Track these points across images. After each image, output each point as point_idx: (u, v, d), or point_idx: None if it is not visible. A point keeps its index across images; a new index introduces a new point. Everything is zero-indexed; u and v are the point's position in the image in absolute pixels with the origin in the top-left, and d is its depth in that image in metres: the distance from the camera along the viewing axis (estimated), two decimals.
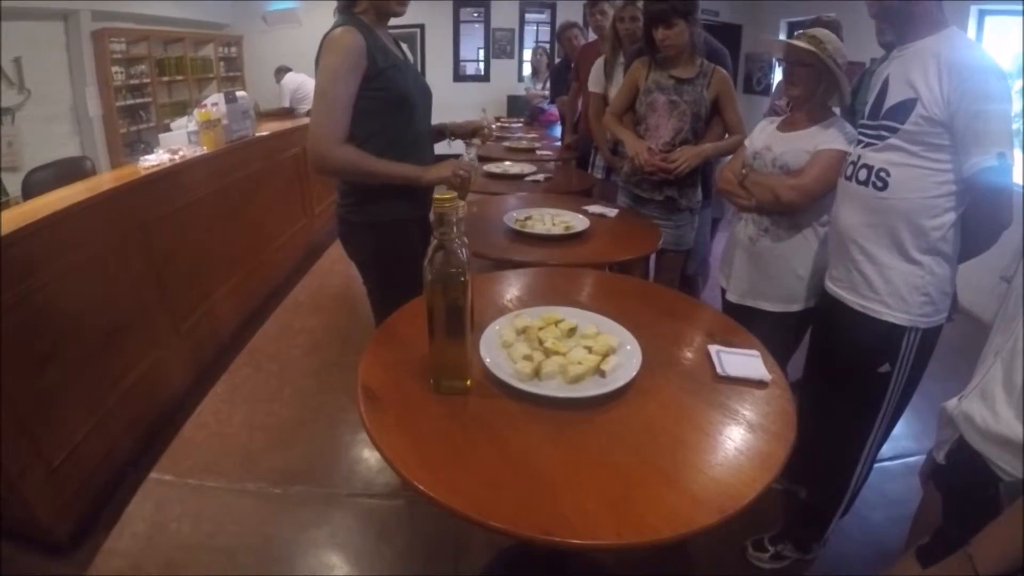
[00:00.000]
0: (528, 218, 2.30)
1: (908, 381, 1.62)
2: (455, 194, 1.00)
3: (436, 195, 1.00)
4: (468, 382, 1.13)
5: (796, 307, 1.95)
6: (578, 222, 2.28)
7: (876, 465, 1.90)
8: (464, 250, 1.05)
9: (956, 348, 1.84)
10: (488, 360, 1.16)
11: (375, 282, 1.98)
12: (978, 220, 1.48)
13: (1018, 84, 4.24)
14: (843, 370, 1.73)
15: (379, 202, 1.86)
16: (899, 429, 1.95)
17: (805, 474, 1.99)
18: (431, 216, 1.02)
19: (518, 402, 1.09)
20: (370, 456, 2.48)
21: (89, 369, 2.25)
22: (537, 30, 9.33)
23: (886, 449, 2.01)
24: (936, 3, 1.47)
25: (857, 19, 2.10)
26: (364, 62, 1.69)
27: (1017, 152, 4.14)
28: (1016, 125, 4.02)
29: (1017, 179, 2.55)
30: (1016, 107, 4.14)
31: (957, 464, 1.14)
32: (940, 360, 1.66)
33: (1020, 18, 4.09)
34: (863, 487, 1.87)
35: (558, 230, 2.22)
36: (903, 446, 2.53)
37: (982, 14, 4.51)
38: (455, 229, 1.02)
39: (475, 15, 9.14)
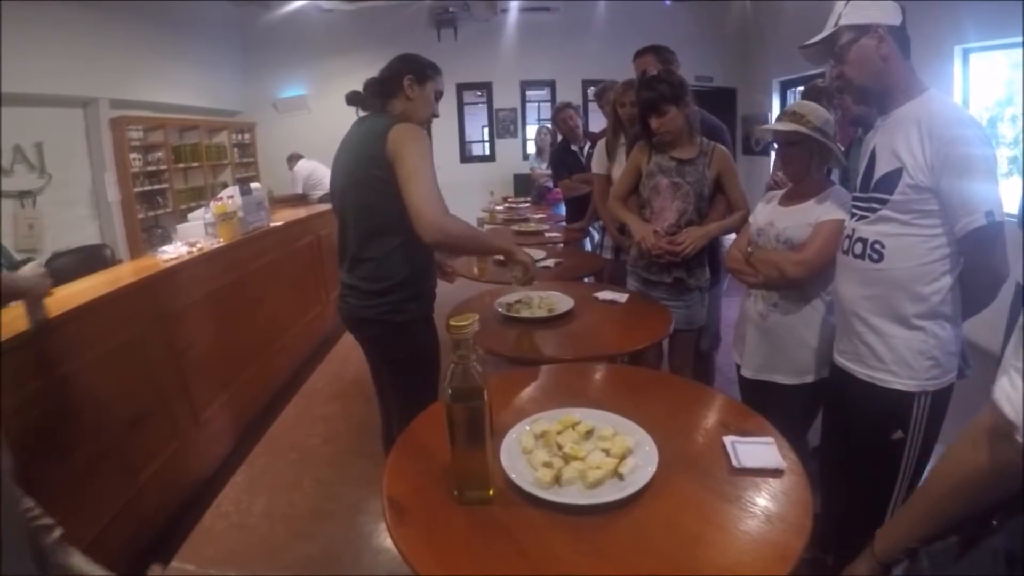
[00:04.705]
0: (518, 301, 2.34)
1: (924, 444, 1.61)
2: (472, 318, 1.05)
3: (452, 321, 1.05)
4: (491, 492, 1.15)
5: (810, 378, 1.97)
6: (562, 303, 2.32)
7: None
8: (480, 365, 1.08)
9: (982, 391, 1.83)
10: (511, 472, 1.18)
11: (417, 377, 1.97)
12: (975, 278, 1.51)
13: (1009, 111, 4.42)
14: (858, 439, 1.73)
15: (424, 297, 1.92)
16: None
17: (831, 540, 1.96)
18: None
19: (539, 509, 1.11)
20: (392, 547, 2.44)
21: (111, 458, 2.29)
22: (539, 108, 9.60)
23: None
24: (908, 69, 1.53)
25: None
26: None
27: (1017, 180, 4.22)
28: (1014, 152, 4.21)
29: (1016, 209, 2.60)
30: (1010, 134, 4.32)
31: None
32: (962, 409, 1.63)
33: (1003, 53, 4.32)
34: None
35: (542, 312, 2.26)
36: None
37: (966, 53, 4.66)
38: (473, 354, 1.06)
39: (478, 95, 9.44)
